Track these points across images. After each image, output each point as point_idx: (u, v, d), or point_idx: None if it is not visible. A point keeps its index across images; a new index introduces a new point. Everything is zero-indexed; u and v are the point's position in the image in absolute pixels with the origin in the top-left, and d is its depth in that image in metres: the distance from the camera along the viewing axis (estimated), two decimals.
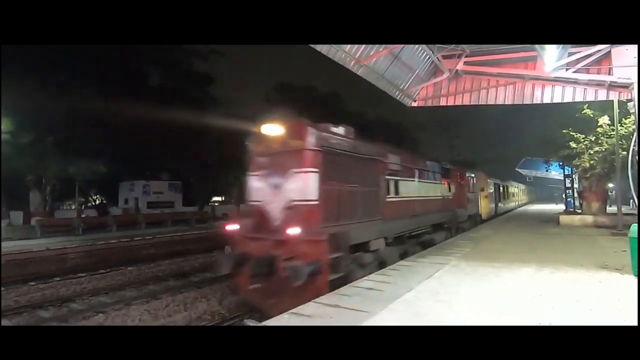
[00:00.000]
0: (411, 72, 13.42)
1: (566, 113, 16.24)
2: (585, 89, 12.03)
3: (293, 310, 5.12)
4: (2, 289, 10.40)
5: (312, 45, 9.02)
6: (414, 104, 14.77)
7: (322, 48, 9.79)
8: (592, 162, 15.71)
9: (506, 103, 13.35)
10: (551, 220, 18.72)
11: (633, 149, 10.19)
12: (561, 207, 25.93)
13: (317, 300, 5.61)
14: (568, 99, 12.37)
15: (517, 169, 42.00)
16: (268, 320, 4.78)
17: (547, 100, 12.70)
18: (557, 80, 12.13)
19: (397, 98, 14.03)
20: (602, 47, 10.29)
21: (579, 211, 18.69)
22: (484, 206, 20.11)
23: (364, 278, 7.06)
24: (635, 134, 10.29)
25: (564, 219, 17.04)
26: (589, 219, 16.12)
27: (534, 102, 12.92)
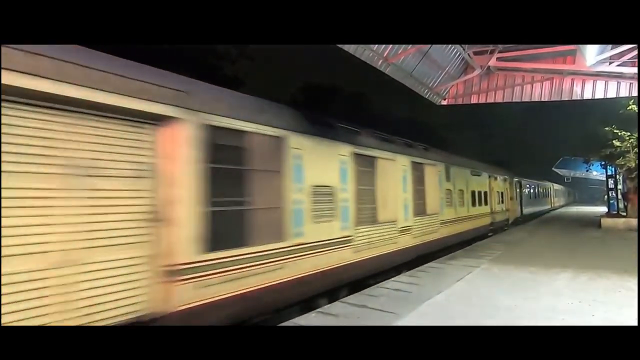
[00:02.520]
0: (441, 70, 13.07)
1: (609, 109, 15.27)
2: (631, 83, 11.25)
3: (320, 310, 5.15)
4: None
5: (339, 45, 9.00)
6: (444, 103, 14.39)
7: (350, 47, 9.74)
8: (638, 161, 14.69)
9: (542, 100, 12.73)
10: (592, 223, 17.67)
11: None
12: (603, 209, 24.39)
13: (344, 300, 5.61)
14: (611, 94, 11.62)
15: (554, 168, 39.98)
16: (296, 318, 4.83)
17: (587, 96, 11.99)
18: (599, 74, 11.42)
19: (426, 97, 13.72)
20: None
21: (624, 214, 17.51)
22: None
23: (392, 279, 6.99)
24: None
25: (606, 222, 16.04)
26: (634, 222, 15.05)
27: (573, 99, 12.23)
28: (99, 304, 3.19)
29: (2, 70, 2.68)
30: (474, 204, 13.46)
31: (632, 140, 14.71)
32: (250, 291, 4.45)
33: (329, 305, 5.34)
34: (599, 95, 11.80)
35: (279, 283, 4.87)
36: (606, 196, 22.29)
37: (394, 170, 8.13)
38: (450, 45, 12.07)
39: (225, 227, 4.32)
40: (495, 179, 16.51)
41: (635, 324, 3.79)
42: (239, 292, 4.31)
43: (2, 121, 2.78)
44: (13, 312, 2.73)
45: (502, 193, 17.34)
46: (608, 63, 10.54)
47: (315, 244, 5.61)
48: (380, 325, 4.40)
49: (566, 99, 12.28)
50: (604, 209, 23.51)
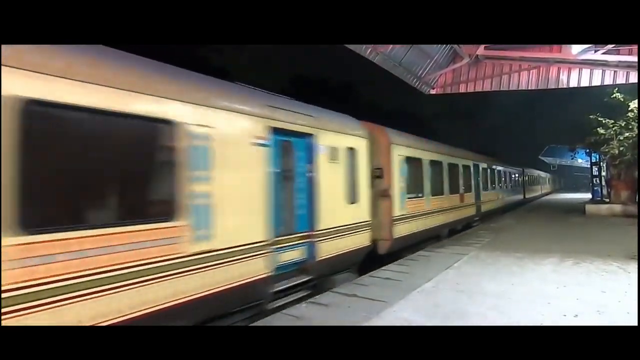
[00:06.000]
0: (429, 59, 13.05)
1: (594, 98, 15.50)
2: (615, 71, 11.41)
3: (311, 300, 5.16)
4: None
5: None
6: (433, 92, 14.41)
7: None
8: (621, 148, 15.00)
9: (529, 88, 12.84)
10: (577, 209, 18.07)
11: None
12: (587, 196, 24.96)
13: (334, 289, 5.63)
14: (596, 82, 11.78)
15: (540, 157, 40.64)
16: (287, 309, 4.83)
17: (573, 84, 12.14)
18: (584, 62, 11.55)
19: (415, 86, 13.71)
20: None
21: (607, 200, 17.95)
22: None
23: (382, 268, 7.04)
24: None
25: (590, 208, 16.43)
26: (617, 208, 15.47)
27: (560, 87, 12.38)
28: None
29: None
30: None
31: (615, 127, 15.00)
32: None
33: (319, 295, 5.36)
34: (584, 83, 11.95)
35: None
36: (590, 183, 22.79)
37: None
38: None
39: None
40: None
41: (635, 322, 3.85)
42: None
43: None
44: None
45: None
46: (593, 51, 10.65)
47: None
48: (370, 313, 4.43)
49: (552, 87, 12.41)
50: (588, 196, 24.06)
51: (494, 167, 17.40)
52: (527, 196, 27.72)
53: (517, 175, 24.36)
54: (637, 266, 6.17)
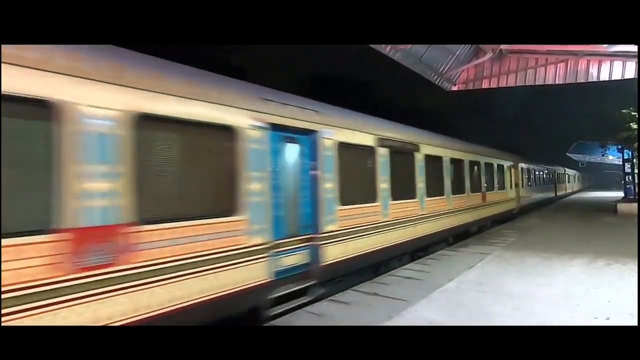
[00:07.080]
0: (451, 54, 12.81)
1: (626, 91, 14.76)
2: None
3: (332, 297, 5.19)
4: None
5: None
6: (454, 88, 14.14)
7: None
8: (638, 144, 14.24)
9: (557, 82, 12.39)
10: (608, 208, 17.28)
11: None
12: (619, 194, 23.83)
13: (355, 288, 5.64)
14: (629, 75, 11.23)
15: (567, 153, 39.14)
16: (307, 307, 4.88)
17: (604, 77, 11.62)
18: (616, 54, 11.03)
19: (436, 82, 13.49)
20: None
21: None
22: None
23: (402, 267, 6.99)
24: None
25: (622, 207, 15.68)
26: None
27: (589, 81, 11.88)
28: None
29: None
30: None
31: None
32: None
33: (341, 293, 5.38)
34: (616, 76, 11.43)
35: None
36: (623, 181, 21.76)
37: None
38: None
39: None
40: None
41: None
42: None
43: None
44: None
45: None
46: None
47: None
48: (391, 312, 4.42)
49: (582, 81, 11.93)
50: (620, 194, 22.98)
51: (427, 150, 8.28)
52: (525, 200, 17.52)
53: (503, 169, 13.97)
54: None
